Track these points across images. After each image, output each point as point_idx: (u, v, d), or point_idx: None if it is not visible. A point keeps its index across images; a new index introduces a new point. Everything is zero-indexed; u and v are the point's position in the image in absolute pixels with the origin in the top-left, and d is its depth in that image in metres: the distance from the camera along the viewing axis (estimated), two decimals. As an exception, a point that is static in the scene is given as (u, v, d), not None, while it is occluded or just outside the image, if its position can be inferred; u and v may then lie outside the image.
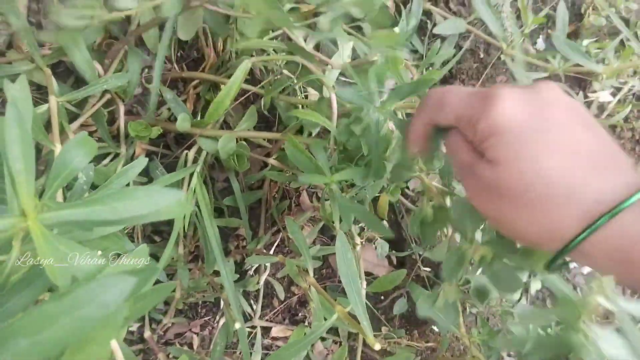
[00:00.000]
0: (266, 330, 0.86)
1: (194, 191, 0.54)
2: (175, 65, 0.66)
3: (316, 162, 0.54)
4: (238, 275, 0.79)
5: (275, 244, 0.80)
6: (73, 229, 0.27)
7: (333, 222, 0.62)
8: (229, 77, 0.62)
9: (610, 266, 0.31)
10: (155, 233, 0.74)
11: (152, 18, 0.57)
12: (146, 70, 0.68)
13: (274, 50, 0.69)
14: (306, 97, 0.77)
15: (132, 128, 0.54)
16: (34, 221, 0.21)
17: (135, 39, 0.61)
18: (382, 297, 0.99)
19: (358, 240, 0.69)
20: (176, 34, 0.58)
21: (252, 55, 0.69)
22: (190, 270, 0.72)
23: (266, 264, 0.79)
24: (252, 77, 0.76)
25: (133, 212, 0.21)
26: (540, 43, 1.13)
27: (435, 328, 0.99)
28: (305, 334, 0.48)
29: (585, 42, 1.03)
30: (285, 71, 0.70)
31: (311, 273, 0.55)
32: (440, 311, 0.40)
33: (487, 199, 0.33)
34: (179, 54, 0.69)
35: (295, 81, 0.67)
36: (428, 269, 1.00)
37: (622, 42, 0.99)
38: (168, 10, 0.37)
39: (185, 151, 0.63)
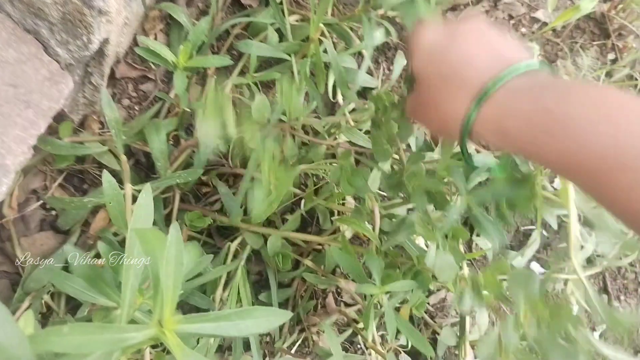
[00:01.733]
0: None
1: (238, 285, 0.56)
2: (230, 162, 0.71)
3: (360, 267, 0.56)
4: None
5: (297, 344, 0.80)
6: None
7: (363, 330, 0.63)
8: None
9: (495, 141, 0.37)
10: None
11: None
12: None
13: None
14: (343, 204, 0.81)
15: (188, 218, 0.57)
16: (171, 333, 0.23)
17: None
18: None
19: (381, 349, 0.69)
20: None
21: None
22: None
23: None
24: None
25: (253, 330, 0.23)
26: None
27: None
28: None
29: None
30: (327, 177, 0.75)
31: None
32: None
33: (417, 109, 0.44)
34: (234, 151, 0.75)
35: (338, 190, 0.71)
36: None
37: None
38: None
39: (229, 243, 0.66)
